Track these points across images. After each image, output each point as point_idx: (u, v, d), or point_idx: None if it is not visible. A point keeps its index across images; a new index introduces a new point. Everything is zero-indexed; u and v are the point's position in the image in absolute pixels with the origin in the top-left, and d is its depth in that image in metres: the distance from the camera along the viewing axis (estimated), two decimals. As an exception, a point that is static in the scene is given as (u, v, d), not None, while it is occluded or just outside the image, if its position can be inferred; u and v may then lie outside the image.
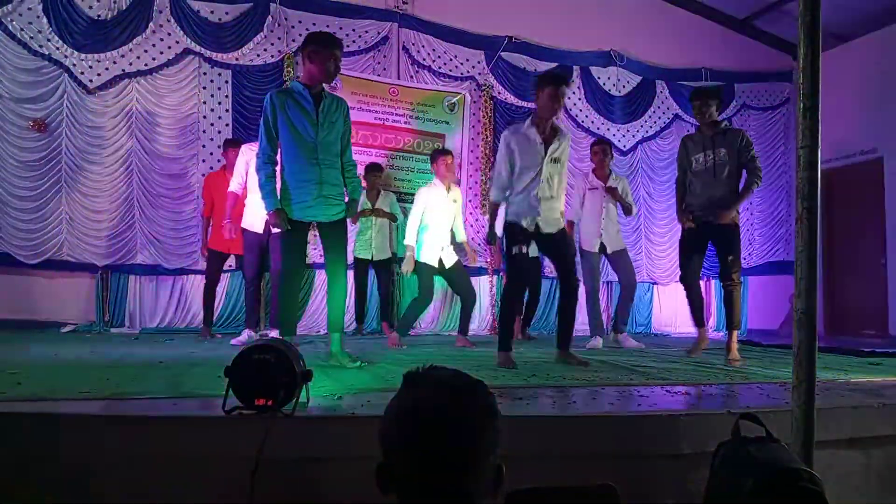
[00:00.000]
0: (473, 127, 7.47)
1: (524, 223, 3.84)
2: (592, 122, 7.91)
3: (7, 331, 5.36)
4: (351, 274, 6.07)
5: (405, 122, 7.15)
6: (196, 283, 6.37)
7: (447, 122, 7.30)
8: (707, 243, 4.46)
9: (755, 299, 8.46)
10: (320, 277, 6.56)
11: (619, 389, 2.81)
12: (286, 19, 6.73)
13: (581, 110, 7.91)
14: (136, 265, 6.23)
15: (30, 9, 5.88)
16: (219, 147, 6.39)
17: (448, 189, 5.26)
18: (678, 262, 4.72)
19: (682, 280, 4.60)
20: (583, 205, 5.67)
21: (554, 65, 7.75)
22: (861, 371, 3.66)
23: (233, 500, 1.76)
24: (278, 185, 3.54)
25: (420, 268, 5.16)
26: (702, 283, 8.19)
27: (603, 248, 5.56)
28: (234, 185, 5.05)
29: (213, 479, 1.85)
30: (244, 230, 5.05)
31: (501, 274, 7.20)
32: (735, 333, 4.31)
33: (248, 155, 4.92)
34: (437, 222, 5.18)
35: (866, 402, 2.49)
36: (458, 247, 5.38)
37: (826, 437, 2.08)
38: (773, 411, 2.13)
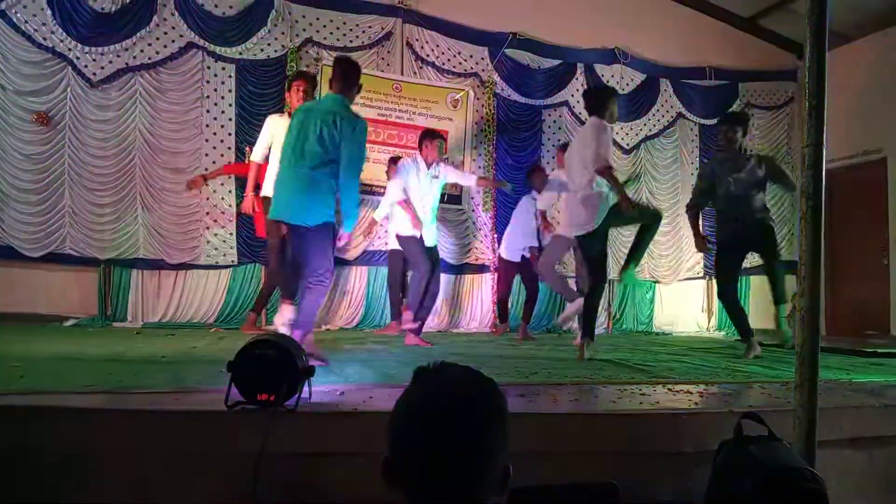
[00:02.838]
0: (476, 123, 7.45)
1: None
2: (596, 120, 7.89)
3: (9, 324, 5.36)
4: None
5: (408, 119, 7.14)
6: (198, 278, 6.39)
7: (450, 119, 7.29)
8: (746, 254, 4.63)
9: (757, 299, 8.43)
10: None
11: (620, 387, 2.81)
12: (290, 14, 6.72)
13: (584, 107, 7.88)
14: (138, 259, 6.22)
15: (34, 1, 5.86)
16: (222, 142, 6.40)
17: (429, 167, 5.18)
18: (718, 275, 4.80)
19: (722, 297, 4.69)
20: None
21: (558, 62, 7.75)
22: (863, 371, 3.65)
23: (235, 495, 1.77)
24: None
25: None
26: (702, 282, 8.34)
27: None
28: (258, 155, 5.08)
29: (215, 474, 1.86)
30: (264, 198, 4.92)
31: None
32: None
33: (274, 127, 4.94)
34: (417, 198, 5.15)
35: (868, 402, 2.49)
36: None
37: (828, 437, 2.08)
38: (775, 411, 2.13)
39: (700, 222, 4.71)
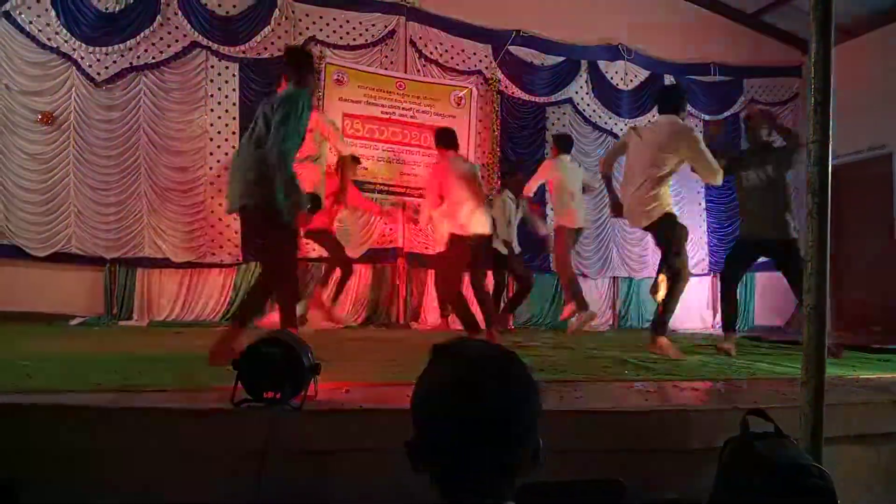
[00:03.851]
0: (481, 121, 7.44)
1: None
2: (600, 117, 7.88)
3: (16, 323, 5.38)
4: None
5: (412, 116, 7.13)
6: (204, 276, 6.41)
7: (454, 117, 7.28)
8: (757, 258, 4.64)
9: (763, 296, 8.43)
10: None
11: (626, 384, 2.81)
12: (293, 12, 6.72)
13: (588, 104, 7.88)
14: (144, 258, 6.24)
15: (38, 1, 5.88)
16: (226, 140, 6.41)
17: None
18: (723, 270, 4.86)
19: (724, 289, 4.70)
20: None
21: (561, 59, 7.73)
22: (870, 367, 3.64)
23: (241, 492, 1.77)
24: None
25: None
26: (708, 278, 8.32)
27: None
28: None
29: (222, 471, 1.86)
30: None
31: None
32: None
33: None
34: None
35: (875, 398, 2.49)
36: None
37: (834, 434, 2.07)
38: (781, 407, 2.12)
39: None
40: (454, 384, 0.98)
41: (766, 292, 8.40)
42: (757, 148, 4.56)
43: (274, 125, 3.28)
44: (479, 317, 4.83)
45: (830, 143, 1.84)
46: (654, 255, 7.97)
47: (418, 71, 7.22)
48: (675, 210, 4.24)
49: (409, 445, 1.01)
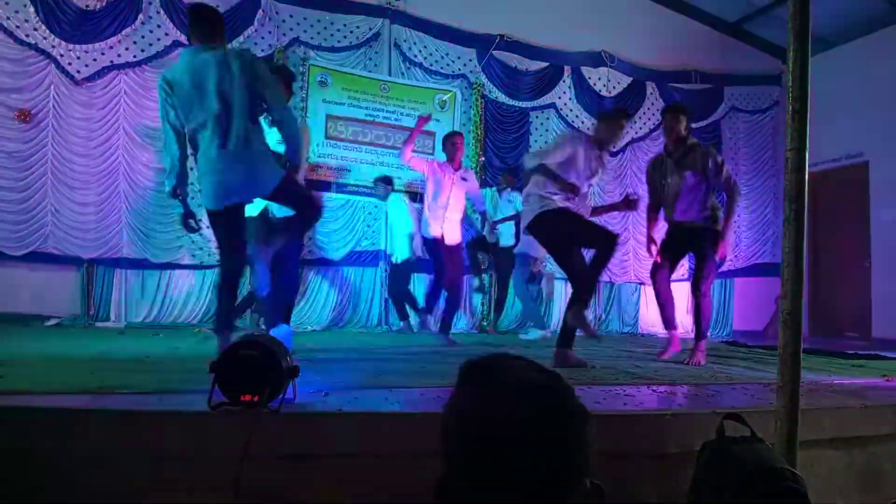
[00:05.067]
0: (464, 125, 7.46)
1: None
2: (583, 123, 7.93)
3: (-10, 323, 5.29)
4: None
5: (395, 119, 7.13)
6: (183, 278, 6.34)
7: (438, 120, 7.28)
8: (687, 251, 4.49)
9: (741, 301, 8.53)
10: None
11: (604, 388, 2.82)
12: (277, 13, 6.69)
13: (571, 110, 7.93)
14: (121, 259, 6.17)
15: (17, -3, 5.80)
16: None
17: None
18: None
19: (653, 280, 4.46)
20: None
21: (545, 64, 7.78)
22: (845, 372, 3.70)
23: (218, 496, 1.75)
24: None
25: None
26: (688, 284, 8.39)
27: None
28: None
29: (199, 476, 1.84)
30: None
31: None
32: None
33: None
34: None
35: (849, 403, 2.52)
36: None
37: (809, 437, 2.10)
38: (757, 411, 2.14)
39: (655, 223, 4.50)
40: (492, 413, 0.83)
41: (745, 297, 8.52)
42: (672, 147, 4.32)
43: (271, 100, 3.11)
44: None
45: (808, 150, 1.87)
46: (633, 260, 8.06)
47: (402, 74, 7.23)
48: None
49: (438, 481, 0.87)
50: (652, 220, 4.52)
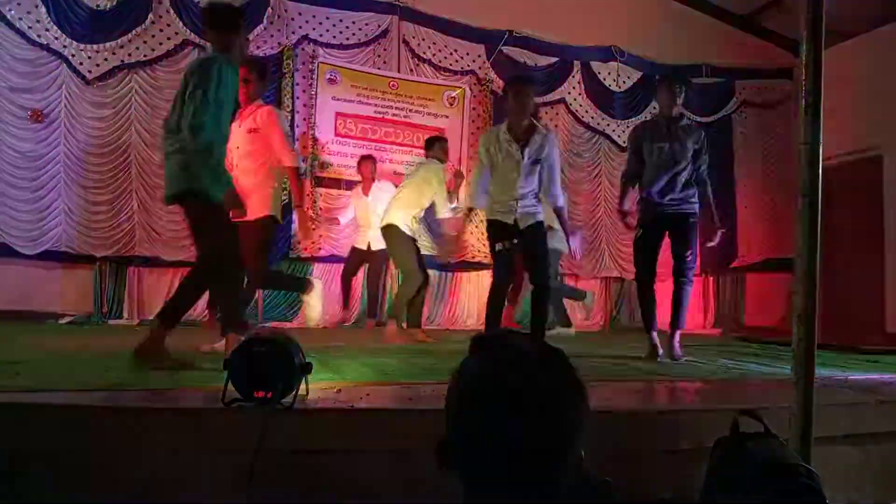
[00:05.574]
0: (473, 121, 7.44)
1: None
2: (592, 118, 7.90)
3: (5, 322, 5.34)
4: None
5: (405, 116, 7.13)
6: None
7: (447, 117, 7.29)
8: (664, 237, 4.11)
9: (754, 296, 8.47)
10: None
11: (615, 385, 2.81)
12: (286, 11, 6.70)
13: (581, 105, 7.89)
14: (134, 256, 6.21)
15: (28, -2, 5.85)
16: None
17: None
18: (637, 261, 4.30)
19: (639, 279, 4.28)
20: None
21: (554, 60, 7.74)
22: (859, 368, 3.67)
23: (231, 492, 1.76)
24: None
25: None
26: (699, 279, 8.35)
27: None
28: None
29: (212, 472, 1.85)
30: None
31: None
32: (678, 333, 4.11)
33: None
34: None
35: (864, 399, 2.50)
36: None
37: (823, 434, 2.08)
38: (771, 408, 2.13)
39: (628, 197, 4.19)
40: (492, 384, 0.90)
41: (757, 293, 8.46)
42: (663, 119, 4.09)
43: (183, 100, 2.92)
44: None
45: (821, 144, 1.85)
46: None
47: (411, 70, 7.22)
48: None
49: (439, 443, 0.93)
50: (626, 192, 4.19)
